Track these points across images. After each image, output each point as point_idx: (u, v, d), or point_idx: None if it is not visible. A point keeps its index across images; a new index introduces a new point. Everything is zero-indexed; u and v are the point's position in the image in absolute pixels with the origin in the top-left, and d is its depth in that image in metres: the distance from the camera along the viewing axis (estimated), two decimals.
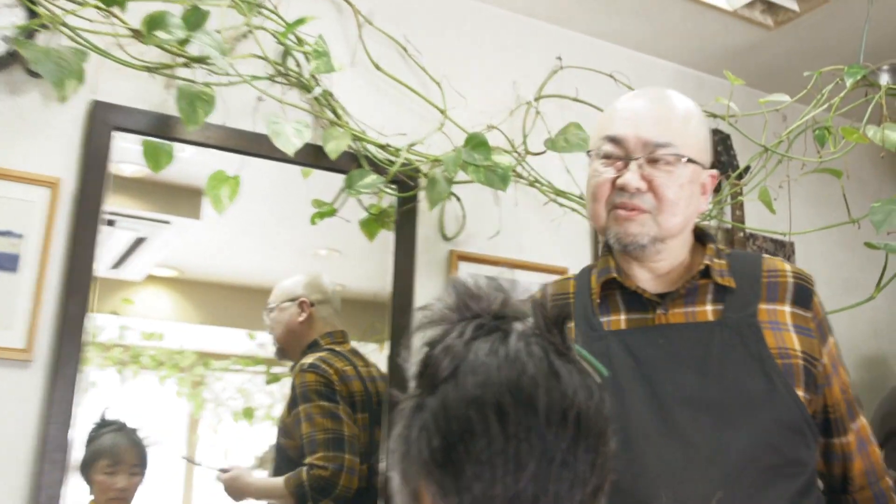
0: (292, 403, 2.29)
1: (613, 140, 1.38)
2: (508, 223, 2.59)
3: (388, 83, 2.47)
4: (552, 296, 1.52)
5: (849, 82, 2.50)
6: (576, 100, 2.75)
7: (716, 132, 3.06)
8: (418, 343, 0.91)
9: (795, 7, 2.81)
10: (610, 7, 2.77)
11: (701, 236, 1.46)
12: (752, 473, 1.24)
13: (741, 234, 3.01)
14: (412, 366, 0.91)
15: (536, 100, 2.70)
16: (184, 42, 2.01)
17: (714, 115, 2.84)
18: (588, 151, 1.45)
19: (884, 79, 3.20)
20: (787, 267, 1.42)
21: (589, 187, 1.43)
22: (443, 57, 2.61)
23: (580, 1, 2.73)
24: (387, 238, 2.40)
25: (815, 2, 2.77)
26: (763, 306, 1.37)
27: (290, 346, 2.40)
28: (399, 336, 2.32)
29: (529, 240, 2.65)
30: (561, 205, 2.65)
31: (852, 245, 3.20)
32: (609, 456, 0.86)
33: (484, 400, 0.80)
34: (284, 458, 2.28)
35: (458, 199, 2.48)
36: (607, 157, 1.39)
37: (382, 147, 2.34)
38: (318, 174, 2.32)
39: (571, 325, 1.42)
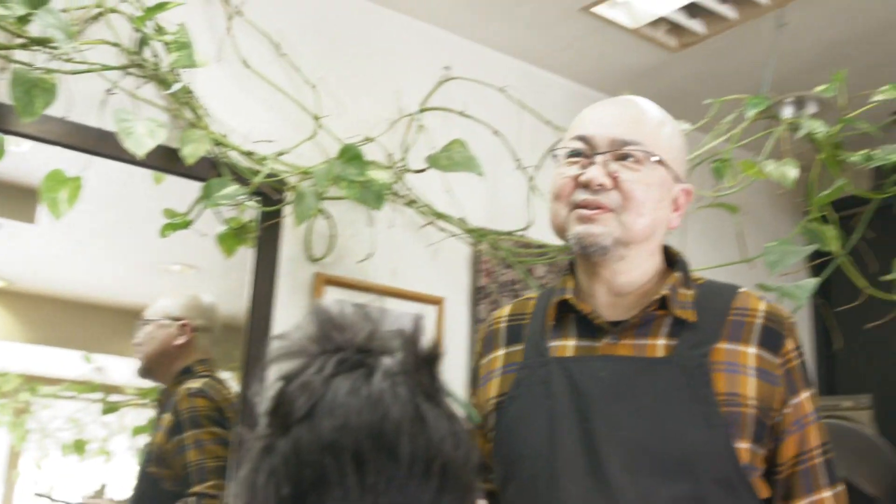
0: (175, 429, 2.30)
1: (581, 139, 1.42)
2: (382, 246, 2.62)
3: (256, 83, 2.48)
4: (509, 315, 1.56)
5: (750, 113, 2.63)
6: (463, 114, 2.81)
7: None
8: (272, 376, 0.92)
9: (701, 29, 2.95)
10: (505, 15, 2.85)
11: (672, 262, 1.50)
12: None
13: None
14: (264, 401, 0.92)
15: (420, 112, 2.75)
16: (23, 20, 1.97)
17: None
18: (553, 154, 1.49)
19: (787, 112, 3.39)
20: (762, 306, 1.43)
21: (551, 187, 1.46)
22: (320, 58, 2.63)
23: (473, 6, 2.80)
24: (247, 255, 2.39)
25: (722, 26, 2.92)
26: (723, 346, 1.38)
27: (159, 367, 2.41)
28: (254, 367, 2.31)
29: (404, 265, 2.69)
30: (441, 228, 2.70)
31: (747, 284, 3.35)
32: None
33: (341, 445, 0.82)
34: (154, 488, 2.27)
35: (328, 216, 2.49)
36: (573, 154, 1.42)
37: (247, 154, 2.34)
38: (172, 180, 2.31)
39: (516, 349, 1.48)
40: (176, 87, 2.27)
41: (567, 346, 1.44)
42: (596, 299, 1.45)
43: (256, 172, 2.32)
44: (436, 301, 2.70)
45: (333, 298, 2.50)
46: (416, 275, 2.70)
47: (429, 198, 2.69)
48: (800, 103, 3.43)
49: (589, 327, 1.44)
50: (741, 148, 2.74)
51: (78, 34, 2.18)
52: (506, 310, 1.59)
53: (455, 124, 2.83)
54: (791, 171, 2.57)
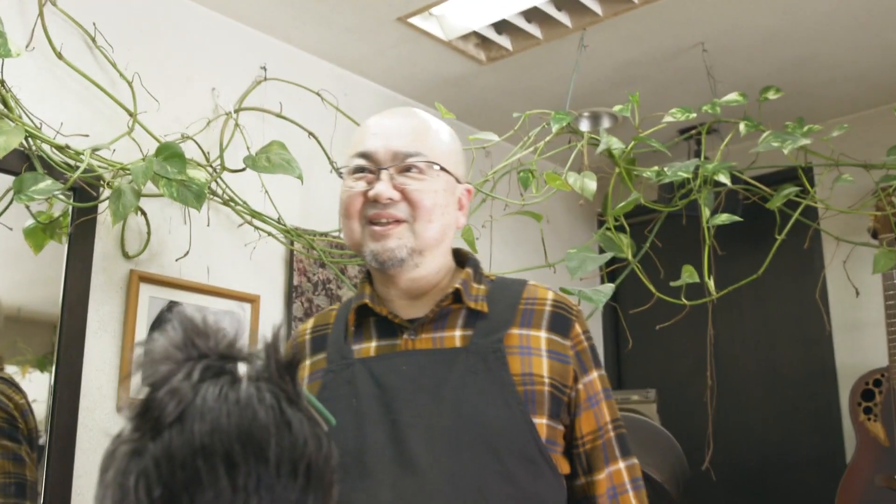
0: None
1: (364, 155, 1.45)
2: (197, 244, 2.61)
3: (70, 76, 2.41)
4: (313, 328, 1.59)
5: (554, 127, 2.79)
6: (279, 115, 2.84)
7: None
8: (138, 382, 0.94)
9: (508, 45, 3.09)
10: (322, 20, 2.88)
11: (462, 260, 1.56)
12: (486, 501, 1.33)
13: None
14: (128, 408, 0.94)
15: (237, 111, 2.75)
16: None
17: None
18: (339, 171, 1.52)
19: (584, 125, 3.59)
20: (549, 295, 1.52)
21: (341, 205, 1.49)
22: (136, 52, 2.59)
23: (291, 9, 2.82)
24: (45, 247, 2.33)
25: (527, 43, 3.07)
26: (515, 331, 1.45)
27: None
28: (71, 362, 2.26)
29: (219, 263, 2.68)
30: (256, 227, 2.71)
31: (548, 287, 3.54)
32: None
33: (213, 448, 0.85)
34: None
35: (144, 213, 2.46)
36: (358, 170, 1.45)
37: (60, 148, 2.28)
38: None
39: (319, 358, 1.52)
40: None
41: (370, 347, 1.49)
42: (393, 302, 1.51)
43: (70, 167, 2.26)
44: (251, 299, 2.71)
45: (149, 295, 2.47)
46: (231, 273, 2.71)
47: (246, 197, 2.69)
48: (596, 118, 3.65)
49: (388, 327, 1.49)
50: (546, 159, 2.89)
51: None
52: (309, 323, 1.63)
53: (271, 125, 2.85)
54: (591, 183, 2.74)
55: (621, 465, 1.48)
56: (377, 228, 1.43)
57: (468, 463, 1.35)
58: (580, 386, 1.47)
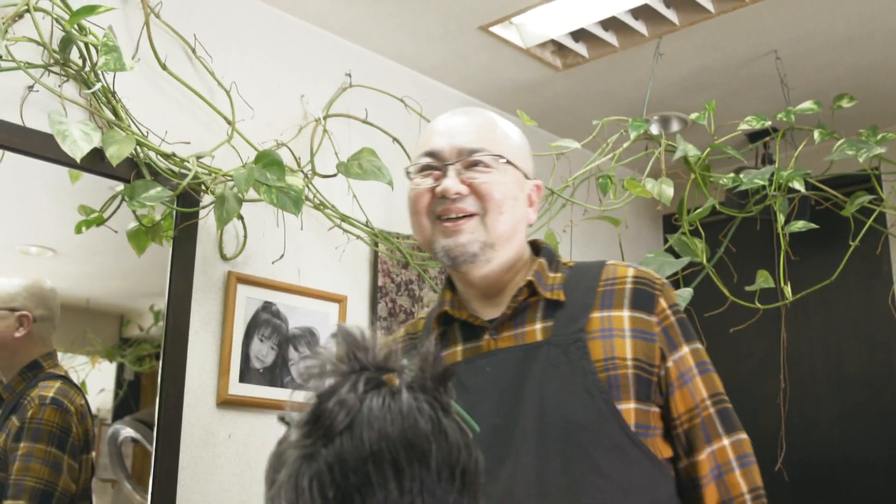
0: (17, 436, 2.19)
1: (430, 154, 1.47)
2: (290, 246, 2.70)
3: (172, 85, 2.52)
4: (404, 337, 1.62)
5: (633, 134, 2.85)
6: (365, 122, 2.93)
7: None
8: (307, 392, 1.02)
9: (585, 53, 3.15)
10: (405, 28, 2.97)
11: (538, 252, 1.54)
12: (576, 500, 1.31)
13: None
14: (293, 415, 1.03)
15: (325, 117, 2.84)
16: None
17: None
18: (407, 171, 1.53)
19: (654, 128, 3.65)
20: (630, 272, 1.47)
21: (409, 202, 1.49)
22: (231, 62, 2.69)
23: (375, 17, 2.91)
24: (105, 237, 2.39)
25: (603, 51, 3.13)
26: (596, 315, 1.42)
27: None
28: (176, 359, 2.37)
29: (310, 265, 2.78)
30: (345, 231, 2.80)
31: None
32: None
33: (381, 455, 0.94)
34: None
35: (241, 217, 2.56)
36: (425, 168, 1.47)
37: (167, 156, 2.38)
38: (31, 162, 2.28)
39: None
40: (97, 86, 2.29)
41: (456, 351, 1.50)
42: (472, 304, 1.51)
43: (175, 173, 2.37)
44: (339, 299, 2.80)
45: (245, 295, 2.57)
46: (320, 274, 2.80)
47: (334, 200, 2.78)
48: (666, 121, 3.70)
49: (471, 330, 1.50)
50: (623, 165, 2.95)
51: (3, 31, 2.18)
52: (400, 332, 1.65)
53: (357, 130, 2.94)
54: (668, 189, 2.80)
55: (725, 441, 1.41)
56: (448, 224, 1.43)
57: (555, 461, 1.33)
58: (669, 364, 1.41)
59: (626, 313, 1.42)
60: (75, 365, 2.43)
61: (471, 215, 1.43)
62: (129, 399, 2.54)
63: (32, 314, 2.31)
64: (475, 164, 1.44)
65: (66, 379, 2.33)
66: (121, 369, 2.53)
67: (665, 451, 1.41)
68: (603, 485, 1.33)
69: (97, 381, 2.45)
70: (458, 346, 1.51)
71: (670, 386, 1.41)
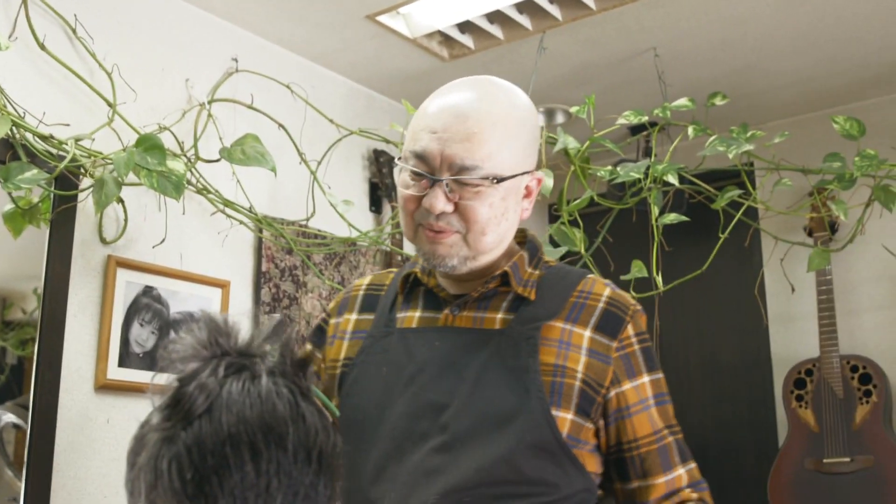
0: None
1: (420, 157, 1.38)
2: (172, 231, 2.69)
3: (52, 66, 2.48)
4: (368, 285, 1.62)
5: None
6: (250, 107, 2.93)
7: (381, 154, 3.39)
8: (167, 377, 1.05)
9: (471, 44, 3.20)
10: (293, 14, 2.97)
11: (524, 242, 1.53)
12: (480, 489, 1.33)
13: (398, 258, 3.35)
14: (155, 399, 1.05)
15: (210, 102, 2.84)
16: None
17: (387, 141, 3.17)
18: (395, 163, 1.45)
19: (539, 119, 3.72)
20: (606, 291, 1.46)
21: (399, 197, 1.45)
22: (114, 43, 2.66)
23: (262, 3, 2.91)
24: None
25: (489, 43, 3.19)
26: (559, 325, 1.42)
27: None
28: (52, 344, 2.34)
29: (192, 250, 2.78)
30: (228, 216, 2.80)
31: None
32: (339, 490, 1.07)
33: (239, 437, 0.98)
34: None
35: (122, 201, 2.54)
36: (414, 173, 1.40)
37: (44, 138, 2.35)
38: None
39: (367, 318, 1.55)
40: None
41: (413, 317, 1.50)
42: (443, 276, 1.49)
43: (53, 156, 2.34)
44: (222, 284, 2.81)
45: (125, 280, 2.55)
46: (203, 259, 2.80)
47: (218, 185, 2.78)
48: (551, 114, 3.78)
49: (435, 300, 1.49)
50: None
51: None
52: (366, 279, 1.63)
53: (242, 115, 2.94)
54: (548, 181, 2.87)
55: (681, 470, 1.45)
56: (430, 234, 1.40)
57: (476, 444, 1.35)
58: (626, 388, 1.42)
59: (587, 333, 1.42)
60: None
61: (453, 232, 1.40)
62: (11, 384, 2.49)
63: None
64: (464, 182, 1.37)
65: None
66: (3, 353, 2.50)
67: (591, 466, 1.43)
68: (513, 477, 1.35)
69: None
70: (417, 312, 1.51)
71: (624, 410, 1.42)
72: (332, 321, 1.61)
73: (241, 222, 2.85)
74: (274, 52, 3.16)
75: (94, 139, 2.46)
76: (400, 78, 3.43)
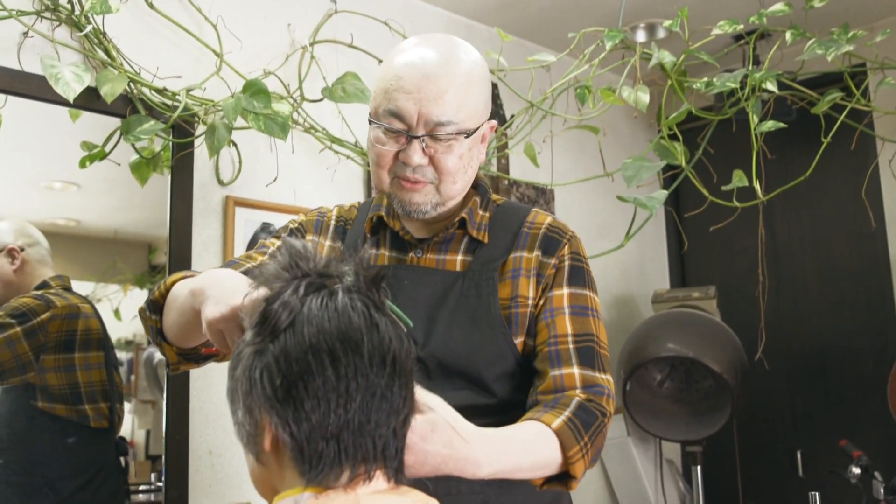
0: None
1: (396, 115, 1.51)
2: (284, 169, 2.86)
3: (161, 23, 2.66)
4: (337, 217, 1.75)
5: (608, 45, 2.95)
6: (351, 46, 3.05)
7: None
8: (259, 298, 1.19)
9: None
10: None
11: (475, 186, 1.67)
12: (463, 414, 1.37)
13: (506, 183, 3.46)
14: (250, 318, 1.20)
15: (311, 45, 2.97)
16: None
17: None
18: (369, 118, 1.57)
19: (640, 36, 3.73)
20: (547, 220, 1.64)
21: (371, 153, 1.57)
22: None
23: None
24: (126, 169, 2.55)
25: None
26: (512, 255, 1.60)
27: (11, 296, 2.47)
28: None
29: (304, 186, 2.94)
30: (336, 152, 2.96)
31: (607, 195, 3.75)
32: (414, 391, 1.20)
33: (319, 346, 1.12)
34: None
35: (235, 144, 2.71)
36: (390, 130, 1.52)
37: (159, 91, 2.53)
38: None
39: (336, 246, 1.68)
40: (88, 29, 2.43)
41: (383, 255, 1.64)
42: (405, 220, 1.64)
43: (168, 107, 2.52)
44: None
45: (244, 218, 2.74)
46: (315, 195, 2.96)
47: (324, 124, 2.93)
48: (652, 28, 3.78)
49: (399, 242, 1.64)
50: (600, 73, 3.06)
51: None
52: (333, 211, 1.76)
53: (344, 55, 3.07)
54: (644, 97, 2.91)
55: (575, 370, 1.52)
56: (405, 184, 1.54)
57: (454, 375, 1.52)
58: (548, 295, 1.58)
59: (533, 254, 1.60)
60: (108, 294, 2.61)
61: (427, 183, 1.54)
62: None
63: (17, 244, 2.48)
64: (438, 137, 1.51)
65: (66, 289, 2.52)
66: None
67: None
68: (489, 402, 1.52)
69: (131, 308, 2.62)
70: (385, 251, 1.65)
71: (541, 315, 1.58)
72: (309, 237, 1.72)
73: (349, 157, 3.00)
74: None
75: (204, 88, 2.64)
76: (496, 4, 3.48)
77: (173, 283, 1.57)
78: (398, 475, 1.18)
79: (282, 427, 1.12)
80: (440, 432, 1.27)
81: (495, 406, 1.53)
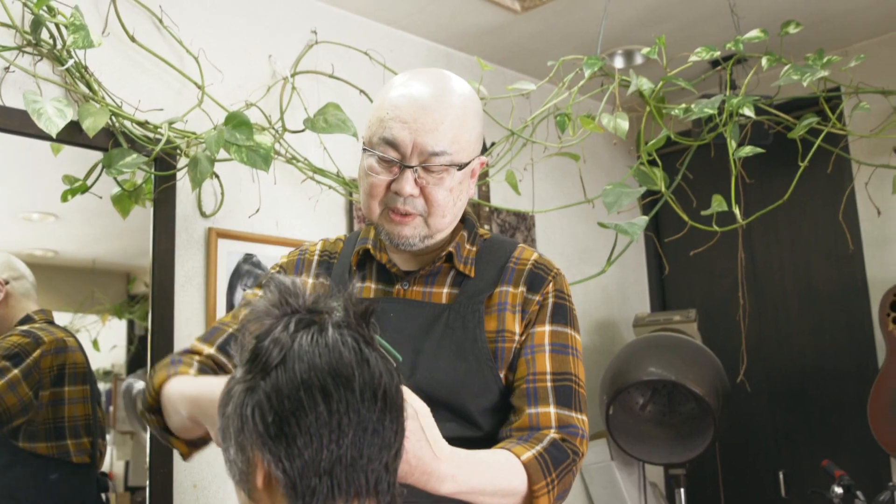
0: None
1: (391, 143, 1.52)
2: (266, 200, 2.87)
3: (142, 55, 2.66)
4: (321, 251, 1.75)
5: (587, 72, 2.98)
6: (332, 76, 3.07)
7: None
8: (247, 336, 1.20)
9: None
10: None
11: (463, 220, 1.67)
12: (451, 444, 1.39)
13: (487, 210, 3.48)
14: (240, 354, 1.20)
15: (293, 75, 2.99)
16: None
17: None
18: (364, 146, 1.58)
19: (618, 62, 3.77)
20: (533, 257, 1.65)
21: (363, 182, 1.58)
22: (198, 28, 2.83)
23: None
24: (106, 201, 2.54)
25: None
26: (498, 289, 1.61)
27: None
28: (163, 313, 2.55)
29: (287, 216, 2.95)
30: (318, 182, 2.97)
31: (588, 221, 3.77)
32: (404, 425, 1.20)
33: (311, 383, 1.12)
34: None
35: (217, 176, 2.72)
36: (383, 159, 1.54)
37: (141, 124, 2.54)
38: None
39: (322, 283, 1.68)
40: (70, 63, 2.44)
41: (370, 288, 1.65)
42: (391, 251, 1.65)
43: (150, 140, 2.53)
44: None
45: (227, 250, 2.74)
46: (298, 224, 2.98)
47: (306, 154, 2.95)
48: (630, 55, 3.82)
49: (385, 274, 1.65)
50: (579, 101, 3.09)
51: None
52: (317, 245, 1.76)
53: (325, 86, 3.09)
54: (623, 123, 2.94)
55: (551, 409, 1.54)
56: (394, 217, 1.55)
57: (440, 407, 1.49)
58: (524, 336, 1.59)
59: (518, 290, 1.61)
60: (86, 324, 2.60)
61: (416, 215, 1.55)
62: (141, 353, 2.70)
63: (3, 279, 2.49)
64: (430, 169, 1.53)
65: (49, 322, 2.51)
66: (131, 326, 2.71)
67: None
68: (472, 435, 1.52)
69: (109, 338, 2.63)
70: (371, 283, 1.66)
71: (525, 350, 1.59)
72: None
73: (331, 186, 3.01)
74: (351, 21, 3.29)
75: (186, 121, 2.65)
76: (476, 34, 3.52)
77: (161, 383, 1.55)
78: None
79: (274, 464, 1.12)
80: (413, 441, 1.28)
81: (481, 439, 1.53)
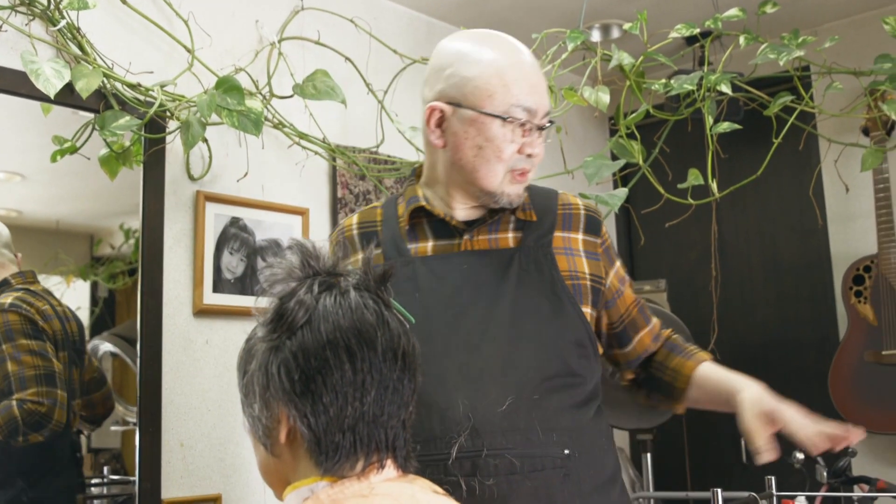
0: None
1: (528, 110, 1.60)
2: (253, 165, 2.89)
3: (133, 18, 2.66)
4: (359, 224, 1.76)
5: (570, 46, 3.03)
6: (318, 43, 3.09)
7: None
8: (269, 296, 1.24)
9: None
10: None
11: None
12: (537, 381, 1.54)
13: None
14: (262, 314, 1.24)
15: (279, 41, 3.00)
16: None
17: None
18: (503, 117, 1.58)
19: (595, 35, 3.81)
20: (579, 201, 1.77)
21: (493, 149, 1.59)
22: None
23: None
24: (72, 161, 2.51)
25: None
26: (558, 234, 1.69)
27: None
28: (153, 275, 2.57)
29: (272, 181, 2.97)
30: (304, 147, 2.99)
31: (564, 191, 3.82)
32: (419, 384, 1.26)
33: (336, 342, 1.17)
34: None
35: (206, 140, 2.73)
36: (519, 123, 1.59)
37: (133, 86, 2.55)
38: None
39: (379, 252, 1.69)
40: (62, 23, 2.44)
41: (427, 246, 1.66)
42: (453, 206, 1.67)
43: (141, 102, 2.53)
44: (301, 212, 3.01)
45: (214, 213, 2.76)
46: (283, 189, 3.00)
47: (292, 119, 2.96)
48: (607, 29, 3.86)
49: (444, 229, 1.67)
50: (560, 74, 3.14)
51: None
52: (354, 218, 1.78)
53: (310, 52, 3.10)
54: (605, 97, 2.99)
55: (654, 319, 1.88)
56: (519, 176, 1.63)
57: (526, 347, 1.56)
58: (612, 278, 1.76)
59: (580, 236, 1.72)
60: (51, 285, 2.58)
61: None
62: (105, 316, 2.71)
63: None
64: (544, 126, 1.65)
65: (26, 290, 2.50)
66: (94, 287, 2.70)
67: (600, 348, 1.77)
68: (561, 369, 1.59)
69: (73, 299, 2.61)
70: (430, 241, 1.68)
71: (617, 293, 1.78)
72: (346, 261, 1.74)
73: (316, 153, 3.04)
74: None
75: (176, 84, 2.65)
76: (458, 3, 3.54)
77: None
78: (406, 463, 1.24)
79: (300, 420, 1.17)
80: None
81: (566, 374, 1.61)
